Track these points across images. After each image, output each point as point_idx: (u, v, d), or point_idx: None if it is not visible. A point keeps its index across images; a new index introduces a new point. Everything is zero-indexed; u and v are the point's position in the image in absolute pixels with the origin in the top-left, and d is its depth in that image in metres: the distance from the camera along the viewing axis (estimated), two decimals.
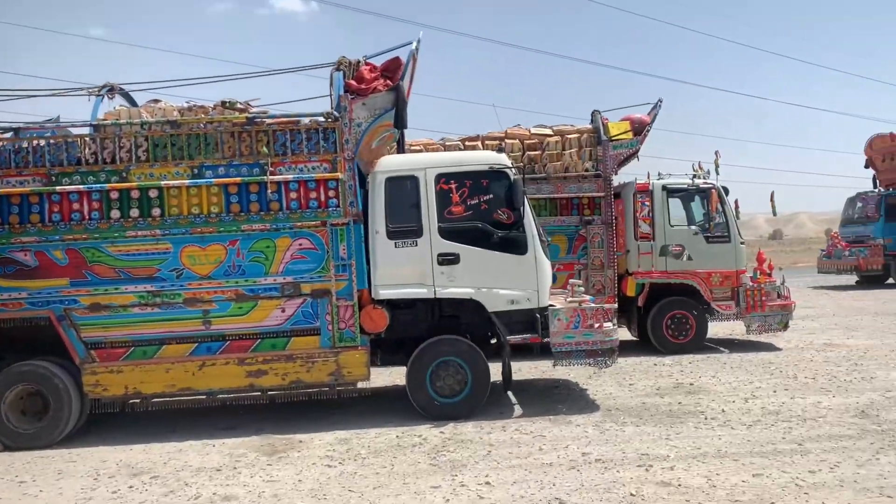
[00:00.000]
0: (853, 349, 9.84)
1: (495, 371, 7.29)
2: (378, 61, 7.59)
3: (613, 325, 7.13)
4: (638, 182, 10.48)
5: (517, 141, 10.43)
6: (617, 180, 10.85)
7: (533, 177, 10.13)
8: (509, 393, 7.89)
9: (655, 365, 9.29)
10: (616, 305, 7.89)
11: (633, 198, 10.38)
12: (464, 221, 6.92)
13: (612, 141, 10.20)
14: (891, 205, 20.26)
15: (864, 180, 22.33)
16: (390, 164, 7.12)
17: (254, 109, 7.33)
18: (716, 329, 11.94)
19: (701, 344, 10.22)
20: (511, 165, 7.07)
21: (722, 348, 10.43)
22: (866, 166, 22.12)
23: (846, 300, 17.06)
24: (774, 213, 10.77)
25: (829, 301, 16.98)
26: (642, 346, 10.53)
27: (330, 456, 5.88)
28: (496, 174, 6.99)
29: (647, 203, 10.30)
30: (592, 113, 10.65)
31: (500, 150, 7.69)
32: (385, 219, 6.92)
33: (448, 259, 6.86)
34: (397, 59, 7.37)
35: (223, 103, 7.24)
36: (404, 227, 6.92)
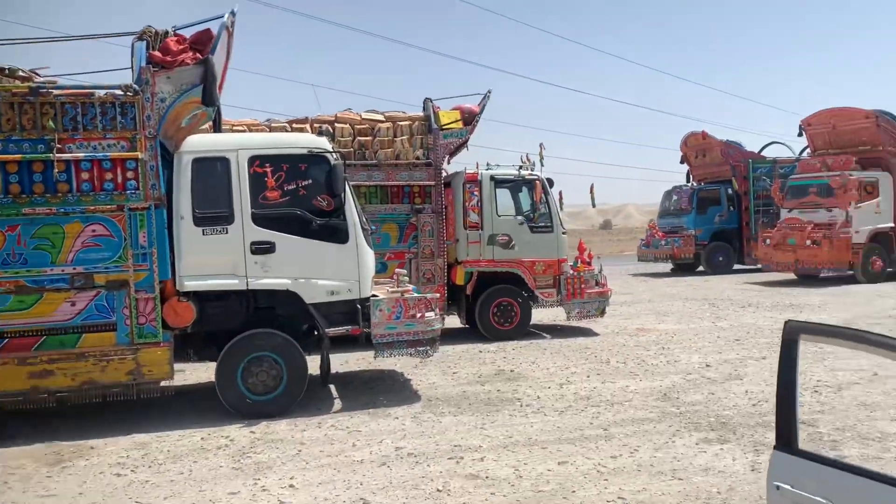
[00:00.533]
0: (662, 333, 10.49)
1: (317, 364, 7.00)
2: (190, 33, 7.01)
3: (436, 314, 7.07)
4: (467, 172, 10.54)
5: (347, 126, 10.12)
6: (448, 169, 10.89)
7: (364, 163, 9.90)
8: (331, 386, 7.65)
9: (481, 352, 9.39)
10: (440, 294, 7.84)
11: (462, 187, 10.43)
12: (280, 208, 6.55)
13: (443, 129, 10.17)
14: (702, 198, 21.96)
15: (681, 175, 24.09)
16: (198, 143, 6.60)
17: (40, 79, 6.53)
18: (541, 315, 12.34)
19: (525, 330, 10.48)
20: (332, 150, 6.77)
21: (545, 334, 10.76)
22: (681, 162, 23.84)
23: (661, 287, 18.30)
24: (594, 205, 11.25)
25: (646, 287, 18.15)
26: (471, 333, 10.64)
27: (122, 463, 5.35)
28: (316, 158, 6.67)
29: (476, 193, 10.38)
30: (424, 101, 10.55)
31: (320, 132, 7.36)
32: (191, 203, 6.41)
33: (262, 248, 6.46)
34: (208, 31, 6.82)
35: (1, 70, 6.38)
36: (213, 213, 6.45)
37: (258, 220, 6.48)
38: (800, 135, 19.64)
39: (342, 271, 6.66)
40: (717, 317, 12.23)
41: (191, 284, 6.40)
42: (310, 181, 6.64)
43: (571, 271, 10.63)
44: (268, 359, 6.51)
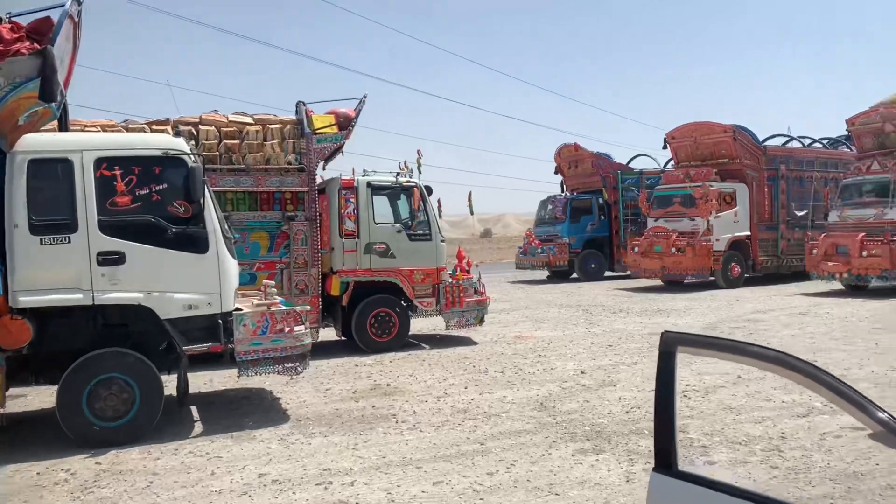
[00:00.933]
0: (539, 341, 10.54)
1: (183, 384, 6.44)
2: (29, 21, 6.28)
3: (306, 328, 6.68)
4: (343, 178, 10.18)
5: (213, 128, 9.52)
6: (323, 176, 10.51)
7: (231, 168, 9.36)
8: (192, 408, 7.07)
9: (357, 366, 9.04)
10: (314, 306, 7.46)
11: (338, 194, 10.05)
12: (131, 214, 5.97)
13: (317, 134, 9.78)
14: (575, 207, 22.61)
15: (557, 185, 24.74)
16: (35, 143, 5.91)
17: None
18: (421, 325, 12.15)
19: (404, 341, 10.24)
20: (189, 151, 6.24)
21: (424, 345, 10.56)
22: (556, 172, 24.49)
23: (538, 293, 18.62)
24: (472, 213, 11.21)
25: (524, 295, 18.40)
26: (347, 346, 10.27)
27: None
28: (171, 161, 6.12)
29: (352, 200, 10.04)
30: (297, 104, 10.12)
31: (177, 133, 6.79)
32: (27, 210, 5.71)
33: (110, 258, 5.86)
34: (48, 19, 6.13)
35: None
36: (53, 221, 5.78)
37: (106, 227, 5.87)
38: (664, 147, 20.62)
39: (201, 283, 6.14)
40: (591, 323, 12.48)
41: (26, 300, 5.70)
42: (165, 185, 6.09)
43: (450, 280, 10.49)
44: (117, 380, 5.89)
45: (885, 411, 1.87)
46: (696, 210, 17.96)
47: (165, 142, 6.27)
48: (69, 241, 5.78)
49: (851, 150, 20.95)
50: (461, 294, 10.42)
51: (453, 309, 10.39)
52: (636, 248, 18.95)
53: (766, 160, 19.03)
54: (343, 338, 10.56)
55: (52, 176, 5.83)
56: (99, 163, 5.90)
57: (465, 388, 7.53)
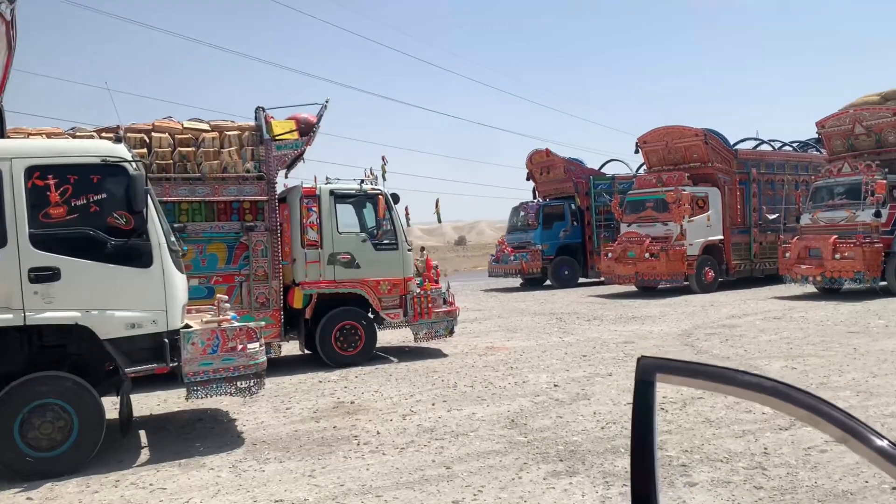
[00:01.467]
0: (511, 351, 10.21)
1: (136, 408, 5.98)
2: None
3: (260, 345, 6.26)
4: (304, 186, 9.77)
5: (166, 135, 9.07)
6: (284, 184, 10.12)
7: (186, 177, 8.93)
8: (141, 432, 6.62)
9: (321, 382, 8.63)
10: (264, 323, 7.06)
11: (299, 203, 9.64)
12: (66, 227, 5.52)
13: (276, 140, 9.38)
14: (547, 214, 22.38)
15: (529, 191, 24.51)
16: None
17: None
18: (390, 336, 11.76)
19: (370, 355, 9.84)
20: (131, 158, 5.80)
21: (392, 358, 10.17)
22: (527, 178, 24.26)
23: (511, 302, 18.32)
24: (439, 220, 10.86)
25: (496, 303, 18.08)
26: (312, 361, 9.85)
27: None
28: (111, 169, 5.68)
29: (315, 209, 9.63)
30: (256, 110, 9.71)
31: (118, 139, 6.34)
32: None
33: (44, 275, 5.40)
34: None
35: None
36: None
37: (38, 241, 5.42)
38: (636, 152, 20.47)
39: (145, 300, 5.70)
40: (564, 331, 12.18)
41: None
42: (104, 195, 5.64)
43: (418, 290, 10.12)
44: (53, 407, 5.42)
45: None
46: (669, 215, 17.81)
47: (105, 148, 5.82)
48: None
49: (821, 153, 21.03)
50: (430, 305, 10.05)
51: (422, 320, 10.02)
52: (609, 255, 18.74)
53: (738, 164, 18.96)
54: (307, 352, 10.15)
55: None
56: (30, 171, 5.45)
57: (433, 404, 7.16)
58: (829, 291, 16.25)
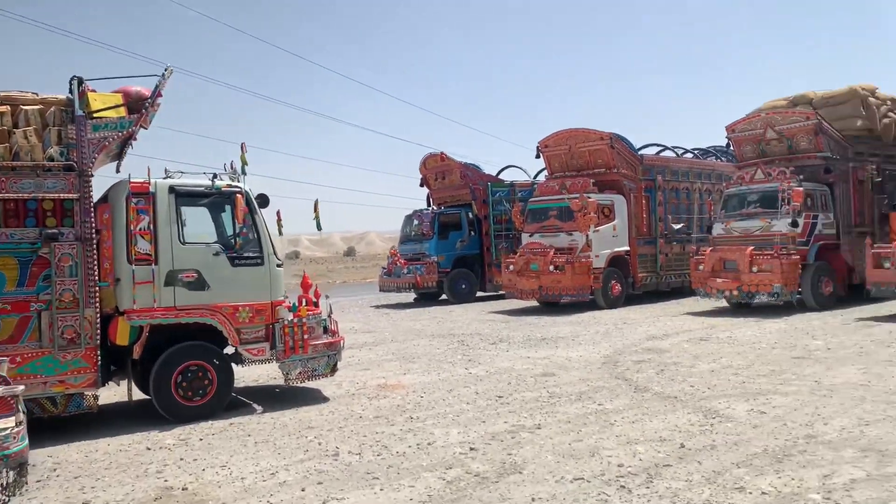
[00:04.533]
0: (409, 392, 8.19)
1: None
2: None
3: (18, 423, 3.94)
4: (133, 181, 7.28)
5: None
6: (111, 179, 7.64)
7: None
8: None
9: (148, 449, 6.26)
10: (92, 364, 4.74)
11: (126, 203, 7.16)
12: None
13: (94, 118, 6.97)
14: (443, 223, 20.60)
15: (423, 199, 22.70)
16: None
17: None
18: (257, 372, 9.49)
19: (225, 403, 7.51)
20: None
21: (256, 405, 7.90)
22: (421, 185, 22.44)
23: (405, 320, 16.31)
24: (319, 228, 8.71)
25: (389, 323, 16.01)
26: (146, 414, 7.42)
27: None
28: None
29: (148, 211, 7.22)
30: (71, 80, 7.23)
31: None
32: None
33: None
34: None
35: None
36: None
37: None
38: (537, 156, 19.03)
39: None
40: (470, 359, 10.30)
41: None
42: None
43: (291, 317, 7.91)
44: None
45: None
46: (574, 224, 16.38)
47: None
48: None
49: (722, 160, 20.38)
50: (305, 336, 7.86)
51: (295, 356, 7.81)
52: (511, 267, 17.09)
53: (643, 170, 17.85)
54: (146, 397, 7.71)
55: None
56: None
57: (303, 490, 5.00)
58: (741, 306, 15.29)
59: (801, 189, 14.00)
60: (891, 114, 15.89)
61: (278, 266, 7.95)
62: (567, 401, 7.31)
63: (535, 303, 17.60)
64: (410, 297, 21.47)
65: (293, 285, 9.72)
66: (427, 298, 20.89)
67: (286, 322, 7.79)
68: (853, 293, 14.98)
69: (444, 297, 20.73)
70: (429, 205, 22.36)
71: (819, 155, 14.95)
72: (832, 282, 14.62)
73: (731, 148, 17.22)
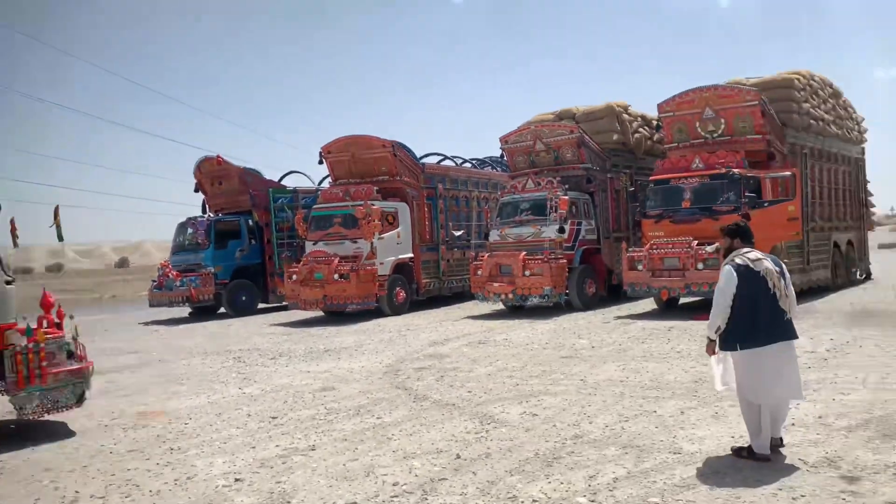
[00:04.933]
0: (173, 419, 7.42)
1: None
2: None
3: None
4: None
5: None
6: None
7: None
8: None
9: None
10: None
11: None
12: None
13: None
14: (220, 231, 19.48)
15: (199, 206, 21.24)
16: None
17: None
18: None
19: None
20: None
21: None
22: (196, 190, 21.03)
23: (176, 338, 15.09)
24: (60, 238, 7.64)
25: (158, 341, 14.72)
26: None
27: None
28: None
29: None
30: None
31: None
32: None
33: None
34: None
35: None
36: None
37: None
38: (320, 162, 18.60)
39: None
40: (245, 377, 9.67)
41: None
42: None
43: (25, 342, 6.82)
44: None
45: None
46: (359, 231, 16.21)
47: None
48: None
49: (498, 170, 21.36)
50: (44, 363, 6.82)
51: (32, 387, 6.74)
52: (294, 277, 16.51)
53: (425, 178, 18.15)
54: None
55: None
56: None
57: None
58: (516, 308, 16.05)
59: (566, 198, 14.98)
60: (641, 129, 17.59)
61: (7, 283, 6.82)
62: (345, 416, 7.02)
63: (320, 313, 17.18)
64: (185, 311, 20.03)
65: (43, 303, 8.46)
66: (204, 313, 19.59)
67: (19, 348, 6.70)
68: (613, 293, 16.32)
69: (222, 310, 19.59)
70: (205, 212, 21.03)
71: (582, 166, 16.11)
72: (595, 283, 15.82)
73: (506, 158, 18.04)
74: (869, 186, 19.32)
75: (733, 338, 4.99)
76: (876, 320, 11.51)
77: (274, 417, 7.20)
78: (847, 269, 17.58)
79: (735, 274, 4.97)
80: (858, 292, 16.17)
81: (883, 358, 8.32)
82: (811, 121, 15.35)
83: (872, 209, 20.31)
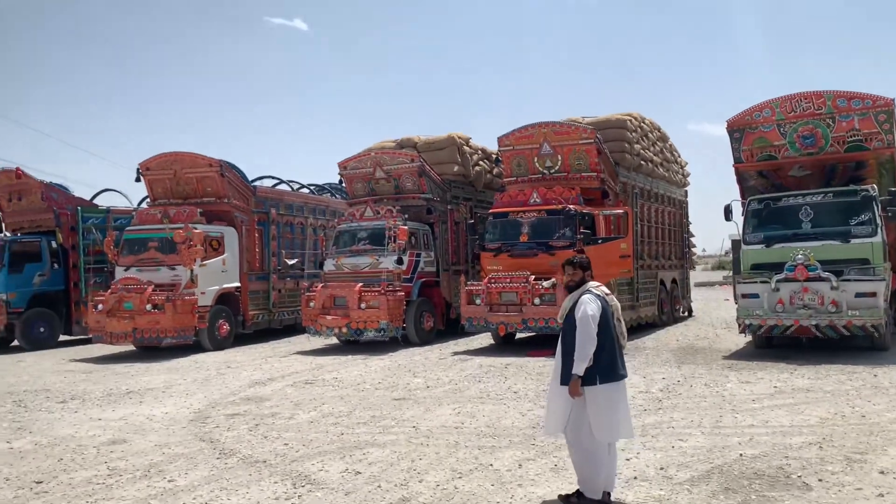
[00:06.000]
0: None
1: None
2: None
3: None
4: None
5: None
6: None
7: None
8: None
9: None
10: None
11: None
12: None
13: None
14: (16, 252, 17.07)
15: None
16: None
17: None
18: None
19: None
20: None
21: None
22: None
23: None
24: None
25: None
26: None
27: None
28: None
29: None
30: None
31: None
32: None
33: None
34: None
35: None
36: None
37: None
38: (138, 180, 16.84)
39: None
40: (20, 427, 8.11)
41: None
42: None
43: None
44: None
45: None
46: (178, 257, 14.68)
47: None
48: None
49: (337, 197, 20.50)
50: None
51: None
52: (100, 306, 14.65)
53: (257, 202, 16.93)
54: None
55: None
56: None
57: None
58: (351, 343, 15.20)
59: (406, 227, 14.41)
60: (481, 162, 17.49)
61: None
62: (129, 480, 5.83)
63: (130, 347, 15.36)
64: None
65: None
66: None
67: None
68: (451, 327, 15.90)
69: (16, 343, 17.11)
70: (0, 230, 18.44)
71: (422, 196, 15.66)
72: (433, 317, 15.31)
73: (344, 185, 17.26)
74: (691, 227, 20.47)
75: (593, 371, 4.57)
76: (702, 357, 11.82)
77: (39, 482, 5.86)
78: (672, 306, 18.36)
79: (600, 305, 4.62)
80: (682, 329, 16.86)
81: (713, 398, 8.32)
82: (641, 161, 15.91)
83: (693, 249, 21.54)
